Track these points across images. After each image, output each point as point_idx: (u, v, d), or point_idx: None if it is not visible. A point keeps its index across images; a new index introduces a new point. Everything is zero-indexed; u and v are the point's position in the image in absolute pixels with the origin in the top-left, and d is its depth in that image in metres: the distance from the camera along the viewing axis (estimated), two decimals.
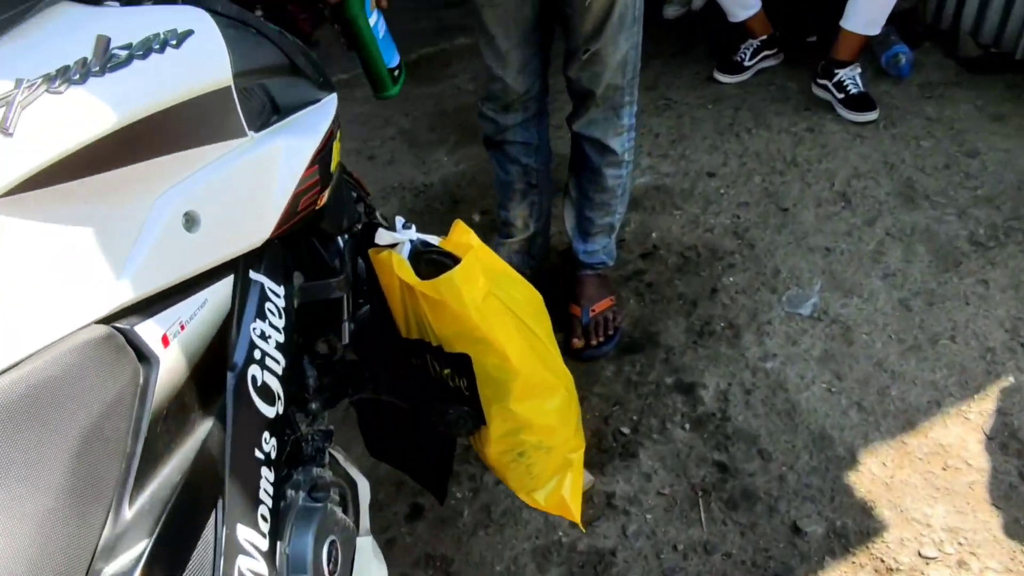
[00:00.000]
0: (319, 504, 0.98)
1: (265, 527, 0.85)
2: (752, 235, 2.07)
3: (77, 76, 0.66)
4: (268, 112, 0.91)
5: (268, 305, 0.94)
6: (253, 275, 0.92)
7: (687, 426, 1.65)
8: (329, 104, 1.04)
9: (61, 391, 0.64)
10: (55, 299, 0.66)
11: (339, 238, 1.16)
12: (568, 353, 1.84)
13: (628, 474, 1.58)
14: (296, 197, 0.92)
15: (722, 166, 2.32)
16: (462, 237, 1.14)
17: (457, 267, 1.04)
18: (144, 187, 0.75)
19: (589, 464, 1.60)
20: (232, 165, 0.84)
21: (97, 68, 0.68)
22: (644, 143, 2.45)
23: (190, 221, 0.78)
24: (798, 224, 2.07)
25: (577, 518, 1.25)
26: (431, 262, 1.09)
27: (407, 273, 1.05)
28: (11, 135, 0.60)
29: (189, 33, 0.76)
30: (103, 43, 0.69)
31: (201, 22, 0.80)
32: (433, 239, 1.13)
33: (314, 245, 1.10)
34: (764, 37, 2.67)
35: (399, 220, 1.11)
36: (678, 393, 1.71)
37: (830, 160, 2.27)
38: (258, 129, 0.87)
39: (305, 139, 0.95)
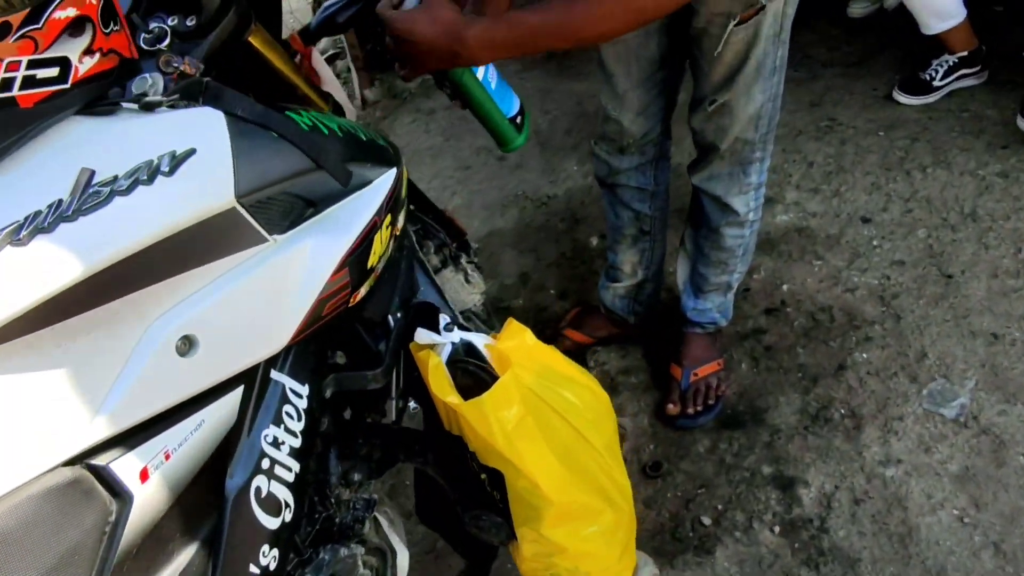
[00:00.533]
0: None
1: None
2: (901, 303, 1.78)
3: (47, 223, 0.63)
4: (299, 209, 0.84)
5: (287, 408, 0.89)
6: (274, 375, 0.88)
7: (777, 529, 1.46)
8: (381, 185, 0.97)
9: (17, 541, 0.63)
10: (22, 442, 0.64)
11: (390, 316, 1.09)
12: (661, 418, 1.70)
13: (699, 573, 1.43)
14: (320, 303, 0.86)
15: (881, 211, 2.02)
16: (514, 338, 1.03)
17: (488, 392, 0.94)
18: (134, 317, 0.71)
19: (659, 551, 1.48)
20: (248, 275, 0.78)
21: (71, 212, 0.64)
22: (793, 172, 2.18)
23: (187, 344, 0.74)
24: (963, 297, 1.76)
25: None
26: (468, 373, 1.00)
27: (440, 383, 0.97)
28: None
29: (190, 154, 0.71)
30: (83, 180, 0.65)
31: (210, 133, 0.74)
32: (481, 340, 1.03)
33: (357, 330, 1.04)
34: (964, 53, 2.27)
35: (443, 319, 1.02)
36: (774, 487, 1.52)
37: (1022, 218, 1.90)
38: (285, 231, 0.81)
39: (336, 239, 0.87)
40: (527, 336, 1.04)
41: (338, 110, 1.15)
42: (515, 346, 1.03)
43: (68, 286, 0.63)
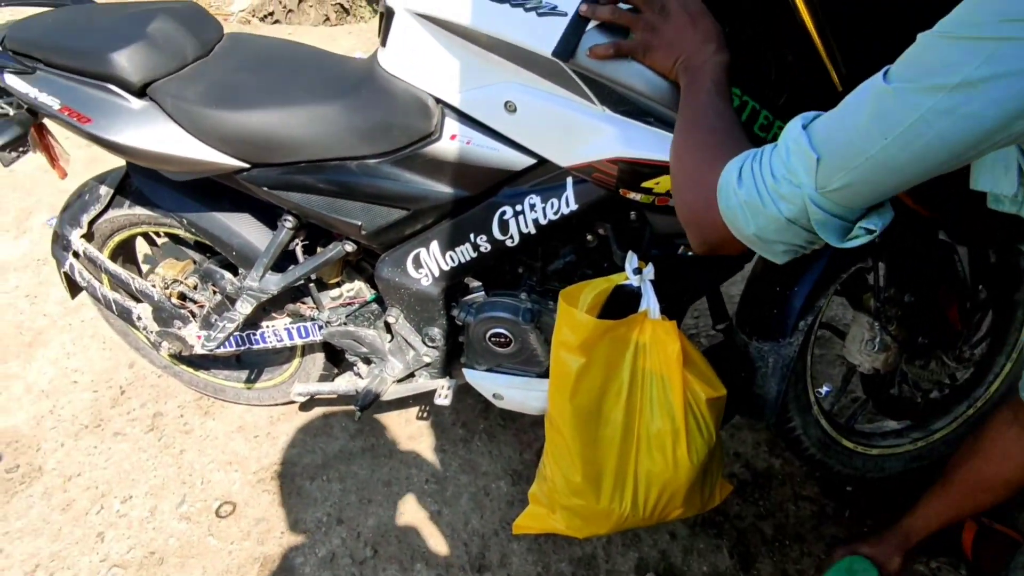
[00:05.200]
0: None
1: None
2: None
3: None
4: (637, 110, 1.10)
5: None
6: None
7: None
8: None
9: None
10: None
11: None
12: None
13: None
14: (591, 167, 1.17)
15: None
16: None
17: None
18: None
19: None
20: (565, 108, 1.16)
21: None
22: None
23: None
24: None
25: None
26: None
27: None
28: None
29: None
30: None
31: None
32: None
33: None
34: None
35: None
36: None
37: None
38: (612, 110, 1.12)
39: (637, 147, 1.13)
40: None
41: None
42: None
43: None
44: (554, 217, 1.25)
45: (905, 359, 1.47)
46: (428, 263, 1.41)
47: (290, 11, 4.80)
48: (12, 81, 1.41)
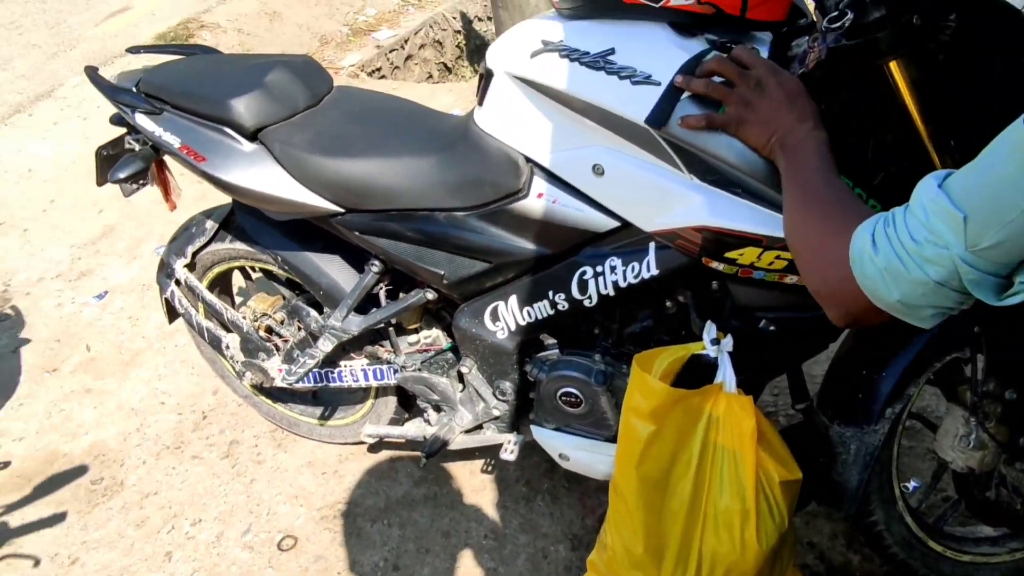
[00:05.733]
0: None
1: None
2: None
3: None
4: (729, 181, 1.10)
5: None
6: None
7: None
8: None
9: None
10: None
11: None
12: None
13: None
14: (675, 234, 1.19)
15: None
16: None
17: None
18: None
19: None
20: (653, 173, 1.18)
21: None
22: None
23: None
24: None
25: None
26: None
27: None
28: None
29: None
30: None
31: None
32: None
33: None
34: None
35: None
36: None
37: None
38: (701, 179, 1.13)
39: (725, 219, 1.14)
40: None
41: None
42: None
43: None
44: (634, 281, 1.24)
45: (1004, 460, 1.37)
46: (505, 317, 1.42)
47: (396, 67, 5.05)
48: (142, 120, 1.53)
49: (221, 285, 1.92)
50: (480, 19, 5.23)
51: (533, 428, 1.55)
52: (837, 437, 1.30)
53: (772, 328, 1.23)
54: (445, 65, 5.10)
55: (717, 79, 1.03)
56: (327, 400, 2.02)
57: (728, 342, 1.18)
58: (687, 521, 1.16)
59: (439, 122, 1.49)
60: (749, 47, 1.03)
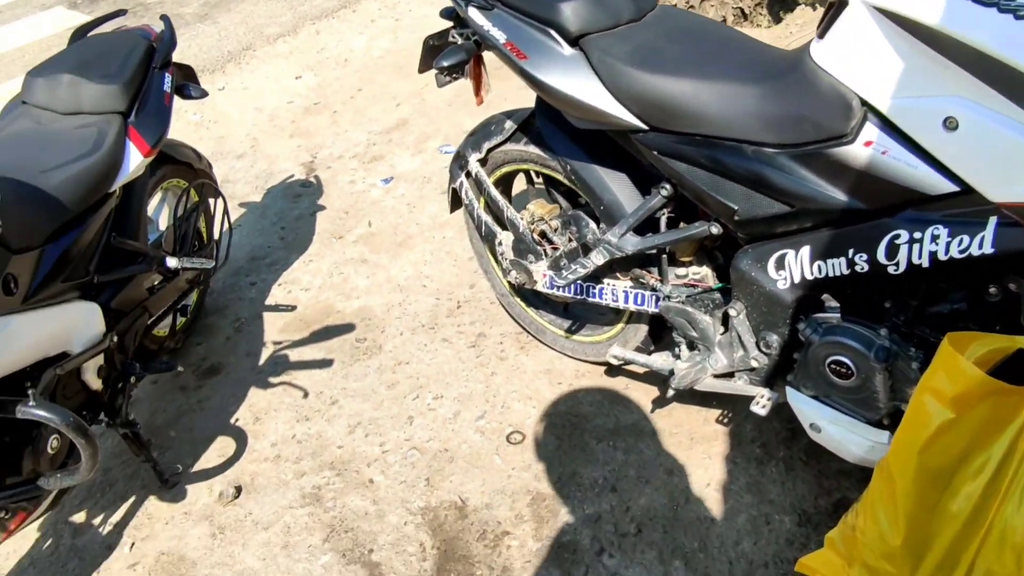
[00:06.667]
0: None
1: None
2: None
3: None
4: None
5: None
6: None
7: None
8: None
9: None
10: None
11: None
12: None
13: None
14: None
15: None
16: None
17: None
18: None
19: None
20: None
21: None
22: None
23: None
24: None
25: None
26: None
27: None
28: None
29: None
30: None
31: None
32: None
33: None
34: None
35: None
36: None
37: None
38: None
39: None
40: None
41: None
42: None
43: None
44: (959, 256, 1.11)
45: None
46: (792, 267, 1.34)
47: (691, 6, 4.87)
48: (473, 14, 1.62)
49: (503, 186, 2.02)
50: None
51: (788, 390, 1.47)
52: None
53: None
54: (742, 11, 4.83)
55: None
56: (577, 315, 2.07)
57: None
58: (965, 529, 1.05)
59: (763, 52, 1.41)
60: None
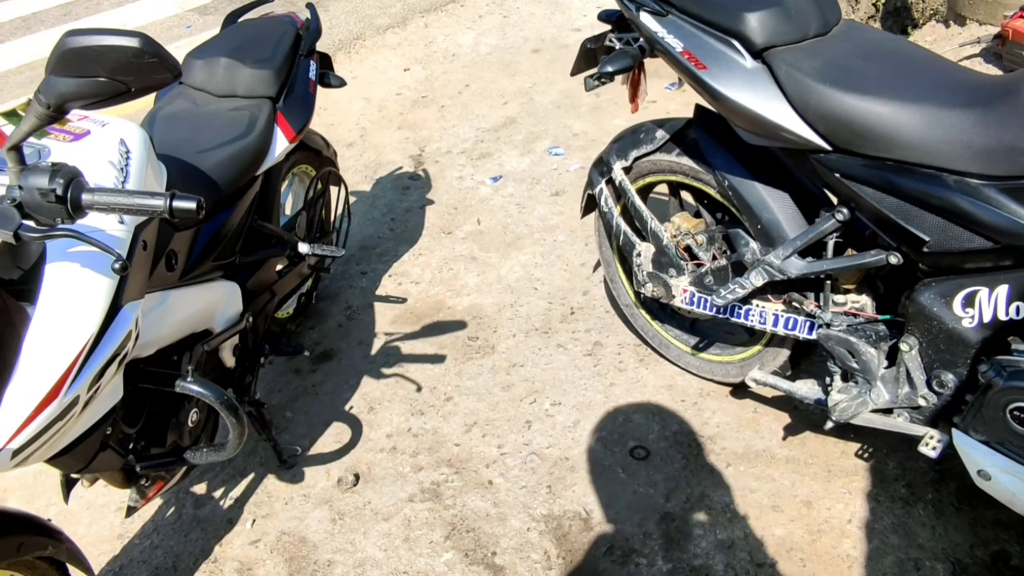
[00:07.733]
0: None
1: None
2: None
3: None
4: None
5: None
6: None
7: None
8: None
9: None
10: None
11: None
12: None
13: None
14: None
15: None
16: None
17: None
18: None
19: None
20: None
21: None
22: None
23: None
24: None
25: None
26: None
27: None
28: None
29: None
30: None
31: None
32: None
33: None
34: None
35: None
36: None
37: None
38: None
39: None
40: None
41: None
42: None
43: None
44: None
45: None
46: (983, 305, 1.27)
47: None
48: (646, 20, 1.58)
49: (643, 196, 1.98)
50: None
51: (955, 432, 1.40)
52: None
53: None
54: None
55: None
56: (704, 332, 2.02)
57: None
58: None
59: (966, 76, 1.34)
60: None
